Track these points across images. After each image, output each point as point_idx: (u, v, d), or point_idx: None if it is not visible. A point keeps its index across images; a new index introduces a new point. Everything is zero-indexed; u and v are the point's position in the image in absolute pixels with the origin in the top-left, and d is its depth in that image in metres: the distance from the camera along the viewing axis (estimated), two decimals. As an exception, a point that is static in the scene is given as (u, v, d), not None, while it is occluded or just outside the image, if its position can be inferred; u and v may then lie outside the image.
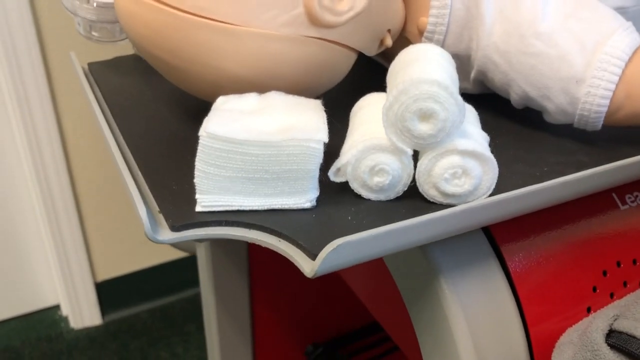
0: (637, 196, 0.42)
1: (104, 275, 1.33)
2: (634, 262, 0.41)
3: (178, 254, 1.39)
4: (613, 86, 0.37)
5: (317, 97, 0.39)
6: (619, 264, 0.41)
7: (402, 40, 0.45)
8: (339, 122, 0.39)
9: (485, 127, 0.39)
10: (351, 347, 0.77)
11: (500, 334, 0.37)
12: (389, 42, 0.43)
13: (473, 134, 0.33)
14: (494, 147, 0.37)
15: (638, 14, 0.47)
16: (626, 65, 0.37)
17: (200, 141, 0.31)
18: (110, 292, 1.35)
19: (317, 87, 0.41)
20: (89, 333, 1.32)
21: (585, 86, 0.38)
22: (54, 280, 1.33)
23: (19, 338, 1.30)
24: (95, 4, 0.46)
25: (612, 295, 0.40)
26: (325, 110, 0.36)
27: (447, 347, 0.36)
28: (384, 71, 0.37)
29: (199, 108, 0.40)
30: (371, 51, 0.43)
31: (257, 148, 0.31)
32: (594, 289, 0.39)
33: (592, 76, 0.37)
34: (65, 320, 1.35)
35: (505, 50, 0.40)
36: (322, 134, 0.32)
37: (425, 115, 0.31)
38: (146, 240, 1.31)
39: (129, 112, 0.44)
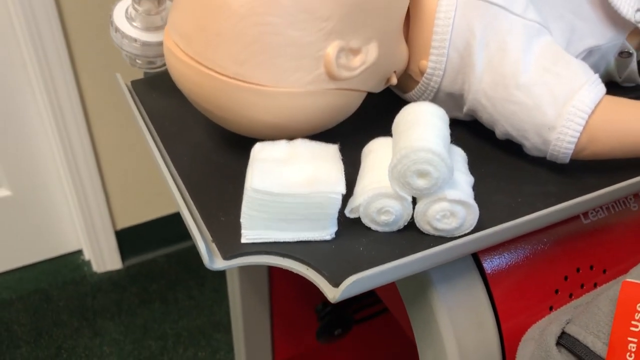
0: (597, 212, 0.52)
1: (124, 223, 1.46)
2: (591, 267, 0.52)
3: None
4: (578, 134, 0.46)
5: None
6: (578, 270, 0.51)
7: (405, 75, 0.54)
8: (351, 145, 0.48)
9: (472, 154, 0.48)
10: (357, 305, 0.90)
11: (477, 327, 0.48)
12: (394, 80, 0.52)
13: (460, 183, 0.43)
14: (478, 176, 0.47)
15: (610, 48, 0.55)
16: (590, 116, 0.46)
17: (246, 193, 0.41)
18: (129, 239, 1.48)
19: (333, 123, 0.50)
20: (110, 276, 1.46)
21: (555, 132, 0.47)
22: (77, 228, 1.46)
23: (46, 280, 1.44)
24: (140, 43, 0.54)
25: (570, 296, 0.51)
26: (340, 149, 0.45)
27: (435, 338, 0.47)
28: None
29: (238, 136, 0.50)
30: (379, 90, 0.52)
31: (290, 198, 0.41)
32: (556, 291, 0.50)
33: (562, 125, 0.46)
34: (88, 264, 1.48)
35: (492, 96, 0.49)
36: (340, 187, 0.42)
37: (422, 174, 0.41)
38: (162, 191, 1.43)
39: (175, 137, 0.53)
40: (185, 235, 1.54)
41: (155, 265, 1.50)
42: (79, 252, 1.51)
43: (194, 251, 1.53)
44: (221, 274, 1.46)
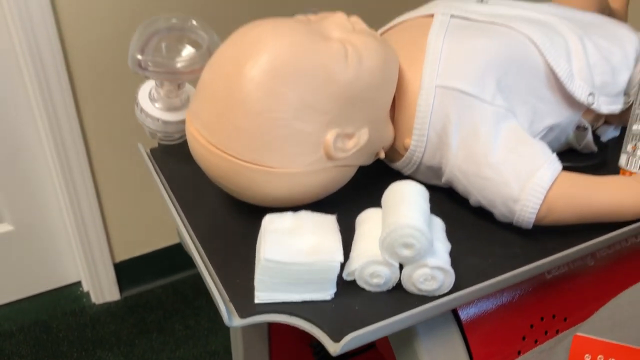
0: (559, 267, 0.61)
1: (122, 255, 1.53)
2: (553, 316, 0.61)
3: (187, 235, 1.58)
4: (538, 206, 0.56)
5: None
6: (542, 319, 0.60)
7: (392, 149, 0.63)
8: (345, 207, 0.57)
9: (449, 219, 0.57)
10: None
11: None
12: (382, 155, 0.61)
13: (439, 251, 0.52)
14: (454, 240, 0.56)
15: (568, 124, 0.65)
16: (548, 190, 0.55)
17: (260, 263, 0.50)
18: (127, 271, 1.55)
19: (331, 192, 0.59)
20: (109, 307, 1.53)
21: (519, 204, 0.56)
22: (77, 260, 1.53)
23: (46, 312, 1.50)
24: (161, 122, 0.63)
25: (536, 342, 0.60)
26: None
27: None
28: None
29: (250, 204, 0.58)
30: (369, 162, 0.61)
31: (297, 266, 0.50)
32: (524, 338, 0.59)
33: (525, 198, 0.56)
34: (87, 295, 1.55)
35: (466, 171, 0.58)
36: (339, 255, 0.50)
37: (407, 246, 0.50)
38: (158, 225, 1.51)
39: (193, 204, 0.62)
40: (181, 266, 1.61)
41: (153, 296, 1.57)
42: (78, 284, 1.58)
43: (189, 282, 1.60)
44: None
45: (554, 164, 0.57)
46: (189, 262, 1.61)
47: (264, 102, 0.52)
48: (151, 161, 0.66)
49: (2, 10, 1.18)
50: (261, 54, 0.52)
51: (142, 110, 0.63)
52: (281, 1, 1.38)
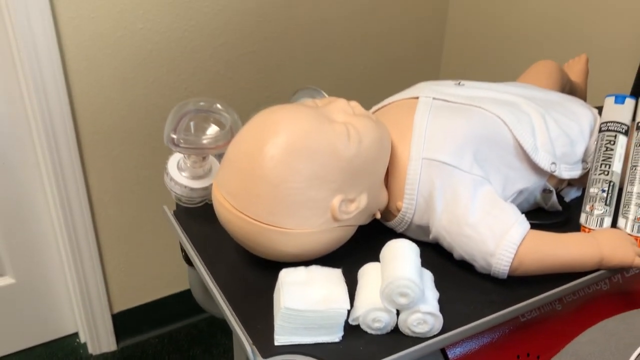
0: (532, 312, 0.72)
1: (120, 306, 1.60)
2: (528, 355, 0.71)
3: (180, 288, 1.67)
4: (511, 259, 0.67)
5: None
6: (518, 357, 0.71)
7: (386, 210, 0.74)
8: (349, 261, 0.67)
9: (437, 270, 0.68)
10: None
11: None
12: (378, 215, 0.73)
13: (429, 299, 0.63)
14: (442, 289, 0.66)
15: (536, 188, 0.77)
16: (518, 246, 0.67)
17: (280, 311, 0.60)
18: (124, 321, 1.62)
19: (336, 248, 0.70)
20: (105, 358, 1.59)
21: (495, 258, 0.67)
22: (75, 312, 1.60)
23: (44, 364, 1.56)
24: (188, 189, 0.73)
25: (513, 376, 0.70)
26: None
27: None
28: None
29: (265, 259, 0.69)
30: (367, 222, 0.72)
31: (311, 313, 0.60)
32: (502, 373, 0.69)
33: (499, 253, 0.67)
34: (83, 346, 1.61)
35: (449, 230, 0.69)
36: (346, 304, 0.61)
37: (403, 295, 0.61)
38: (155, 276, 1.59)
39: (215, 258, 0.72)
40: (176, 316, 1.69)
41: (149, 346, 1.64)
42: (75, 335, 1.64)
43: (183, 332, 1.68)
44: (210, 353, 1.61)
45: (523, 224, 0.69)
46: (183, 313, 1.69)
47: (281, 175, 0.63)
48: (176, 221, 0.77)
49: (16, 73, 1.28)
50: (279, 135, 0.64)
51: (171, 178, 0.74)
52: (286, 83, 1.52)
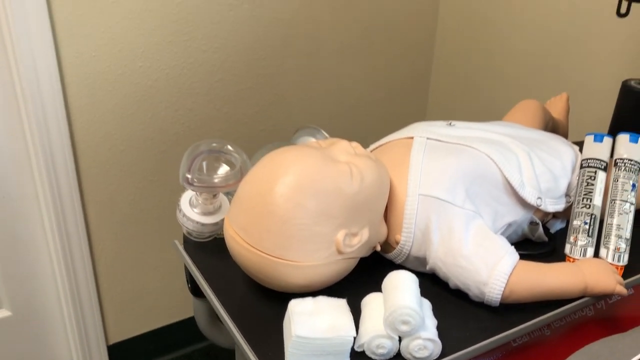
0: (522, 337, 0.78)
1: (115, 338, 1.63)
2: (517, 378, 0.77)
3: (176, 318, 1.71)
4: (502, 289, 0.73)
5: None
6: (509, 380, 0.76)
7: (386, 243, 0.80)
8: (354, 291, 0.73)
9: (435, 300, 0.74)
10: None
11: None
12: (378, 248, 0.79)
13: (429, 326, 0.68)
14: (439, 316, 0.72)
15: (523, 221, 0.84)
16: (509, 276, 0.73)
17: (292, 339, 0.65)
18: (120, 352, 1.65)
19: (340, 278, 0.76)
20: (101, 389, 1.62)
21: (488, 287, 0.73)
22: (71, 344, 1.62)
23: (39, 396, 1.58)
24: (199, 224, 0.79)
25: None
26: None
27: None
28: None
29: (274, 291, 0.74)
30: (368, 254, 0.78)
31: (320, 340, 0.65)
32: (495, 396, 0.75)
33: (492, 283, 0.73)
34: (79, 378, 1.63)
35: (445, 261, 0.75)
36: (352, 332, 0.66)
37: (405, 323, 0.66)
38: (151, 307, 1.62)
39: (225, 290, 0.77)
40: (171, 347, 1.72)
41: (144, 377, 1.66)
42: (71, 366, 1.67)
43: (177, 362, 1.71)
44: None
45: (513, 255, 0.75)
46: (179, 343, 1.72)
47: (290, 212, 0.69)
48: (187, 255, 0.82)
49: (19, 107, 1.32)
50: (288, 175, 0.70)
51: (184, 214, 0.79)
52: (280, 117, 1.59)
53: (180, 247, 0.83)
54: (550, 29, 1.44)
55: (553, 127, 1.09)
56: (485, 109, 1.68)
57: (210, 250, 0.84)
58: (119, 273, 1.56)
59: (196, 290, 0.92)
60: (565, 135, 1.14)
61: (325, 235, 0.71)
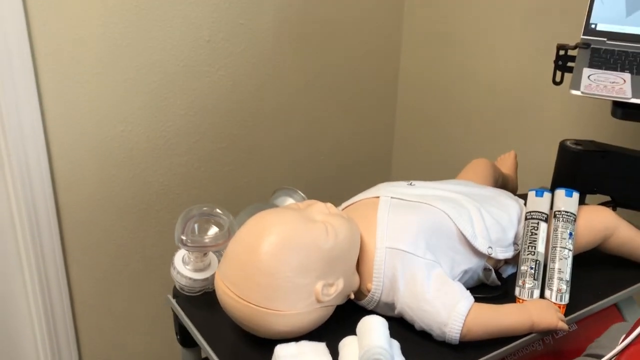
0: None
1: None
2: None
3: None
4: (460, 328, 0.85)
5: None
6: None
7: (358, 291, 0.92)
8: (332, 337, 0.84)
9: (403, 340, 0.85)
10: None
11: None
12: (352, 296, 0.91)
13: (398, 364, 0.80)
14: (407, 355, 0.83)
15: (478, 267, 0.97)
16: (465, 317, 0.85)
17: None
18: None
19: (318, 326, 0.87)
20: None
21: (448, 327, 0.85)
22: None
23: None
24: (191, 280, 0.90)
25: None
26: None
27: None
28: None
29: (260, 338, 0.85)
30: (343, 302, 0.90)
31: (303, 382, 0.76)
32: None
33: (450, 323, 0.85)
34: None
35: (410, 306, 0.87)
36: (332, 373, 0.77)
37: (377, 360, 0.77)
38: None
39: (217, 338, 0.87)
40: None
41: None
42: None
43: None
44: None
45: (469, 298, 0.88)
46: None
47: (274, 266, 0.81)
48: (180, 308, 0.92)
49: (3, 170, 1.40)
50: (271, 234, 0.82)
51: (177, 272, 0.90)
52: (254, 173, 1.71)
53: (173, 301, 0.94)
54: (501, 95, 1.62)
55: (503, 182, 1.24)
56: (445, 155, 1.84)
57: (199, 303, 0.95)
58: (99, 329, 1.63)
59: (185, 341, 1.02)
60: (515, 188, 1.29)
61: (305, 286, 0.83)
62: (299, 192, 1.05)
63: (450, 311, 0.86)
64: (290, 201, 1.06)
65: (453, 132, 1.79)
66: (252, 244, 0.82)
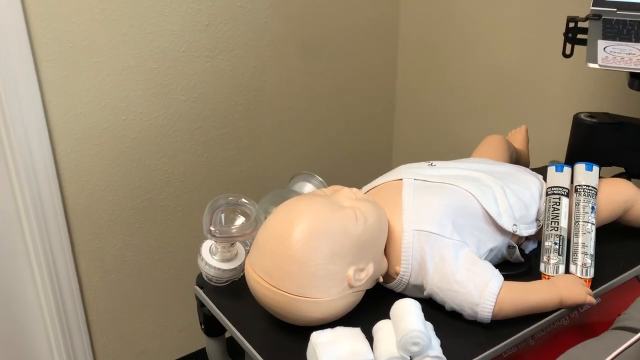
0: (511, 349, 0.90)
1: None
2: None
3: None
4: (492, 307, 0.85)
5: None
6: (504, 386, 0.88)
7: (387, 275, 0.91)
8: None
9: (434, 321, 0.85)
10: None
11: None
12: (381, 279, 0.90)
13: (434, 345, 0.80)
14: (440, 335, 0.83)
15: (503, 245, 0.97)
16: (497, 296, 0.85)
17: (319, 368, 0.75)
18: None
19: (350, 310, 0.86)
20: None
21: (480, 307, 0.85)
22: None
23: None
24: (219, 270, 0.89)
25: (502, 403, 0.87)
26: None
27: None
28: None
29: (293, 325, 0.84)
30: (372, 286, 0.89)
31: (343, 366, 0.76)
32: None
33: (482, 303, 0.85)
34: None
35: (440, 287, 0.87)
36: (370, 355, 0.77)
37: (415, 344, 0.77)
38: (142, 352, 1.69)
39: (248, 326, 0.87)
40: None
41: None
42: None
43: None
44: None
45: (499, 277, 0.87)
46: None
47: (307, 254, 0.80)
48: (210, 299, 0.92)
49: (7, 163, 1.38)
50: (302, 222, 0.81)
51: (205, 262, 0.89)
52: (257, 159, 1.69)
53: (201, 291, 0.93)
54: (509, 71, 1.61)
55: (516, 156, 1.24)
56: (450, 145, 1.83)
57: (226, 293, 0.94)
58: (110, 319, 1.62)
59: (210, 331, 1.01)
60: (527, 163, 1.29)
61: (338, 272, 0.82)
62: (317, 176, 1.04)
63: (482, 291, 0.85)
64: (309, 186, 1.05)
65: (460, 109, 1.79)
66: (283, 233, 0.81)
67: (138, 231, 1.58)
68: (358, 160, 1.95)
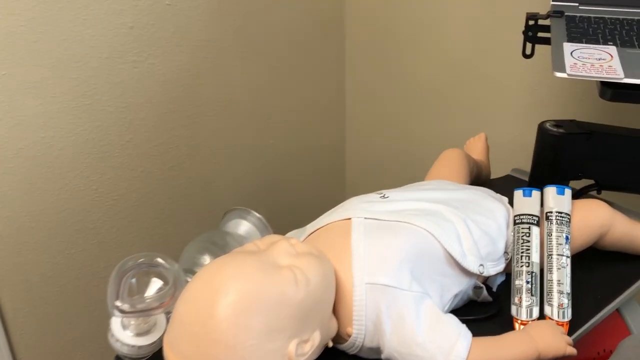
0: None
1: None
2: None
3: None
4: (460, 372, 0.70)
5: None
6: None
7: (337, 336, 0.75)
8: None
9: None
10: None
11: None
12: (330, 344, 0.74)
13: None
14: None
15: (469, 288, 0.82)
16: (466, 357, 0.70)
17: None
18: None
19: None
20: None
21: (446, 374, 0.70)
22: None
23: None
24: (135, 347, 0.71)
25: None
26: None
27: None
28: None
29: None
30: (320, 353, 0.73)
31: None
32: None
33: (450, 368, 0.70)
34: None
35: (400, 351, 0.72)
36: None
37: None
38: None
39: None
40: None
41: None
42: None
43: None
44: None
45: (466, 336, 0.72)
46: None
47: (236, 336, 0.63)
48: (125, 378, 0.74)
49: None
50: (229, 294, 0.64)
51: (117, 339, 0.71)
52: (197, 170, 1.50)
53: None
54: (464, 68, 1.44)
55: (477, 170, 1.08)
56: (406, 145, 1.67)
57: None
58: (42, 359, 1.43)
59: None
60: (488, 174, 1.14)
61: (276, 350, 0.66)
62: (254, 212, 0.86)
63: (448, 354, 0.70)
64: (244, 224, 0.87)
65: (408, 113, 1.61)
66: (206, 310, 0.64)
67: (69, 257, 1.39)
68: (308, 160, 1.78)
